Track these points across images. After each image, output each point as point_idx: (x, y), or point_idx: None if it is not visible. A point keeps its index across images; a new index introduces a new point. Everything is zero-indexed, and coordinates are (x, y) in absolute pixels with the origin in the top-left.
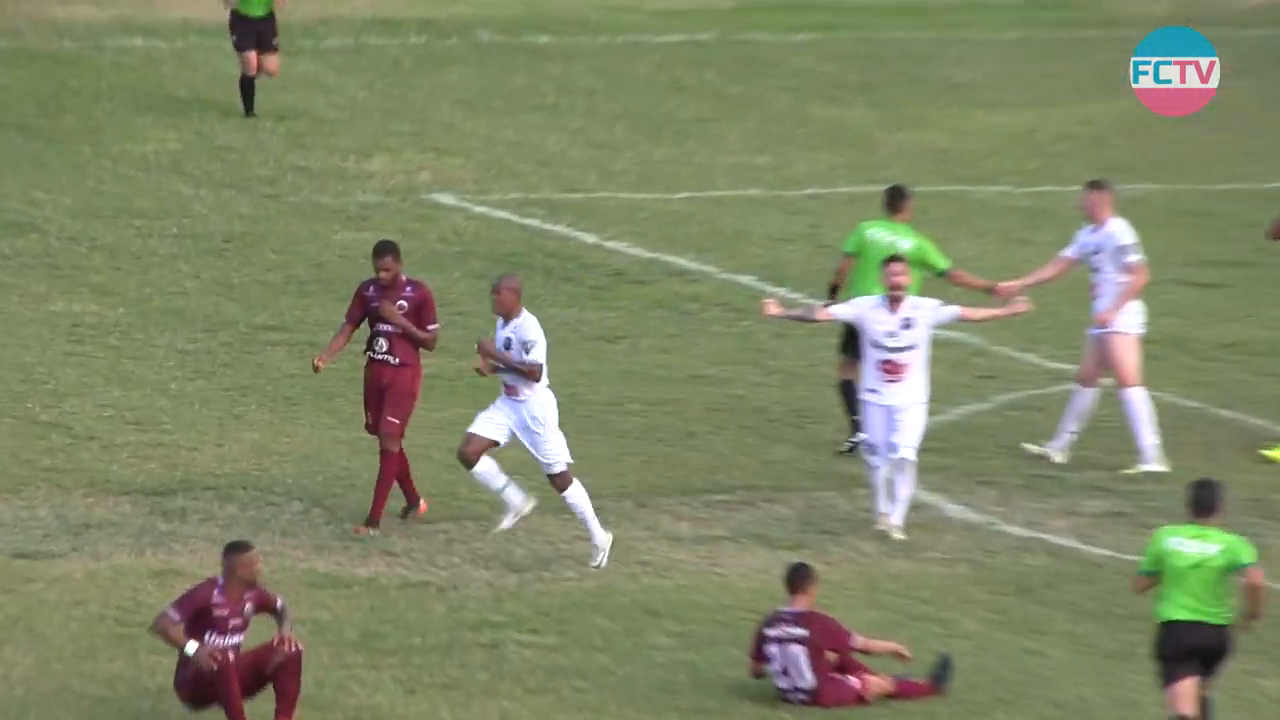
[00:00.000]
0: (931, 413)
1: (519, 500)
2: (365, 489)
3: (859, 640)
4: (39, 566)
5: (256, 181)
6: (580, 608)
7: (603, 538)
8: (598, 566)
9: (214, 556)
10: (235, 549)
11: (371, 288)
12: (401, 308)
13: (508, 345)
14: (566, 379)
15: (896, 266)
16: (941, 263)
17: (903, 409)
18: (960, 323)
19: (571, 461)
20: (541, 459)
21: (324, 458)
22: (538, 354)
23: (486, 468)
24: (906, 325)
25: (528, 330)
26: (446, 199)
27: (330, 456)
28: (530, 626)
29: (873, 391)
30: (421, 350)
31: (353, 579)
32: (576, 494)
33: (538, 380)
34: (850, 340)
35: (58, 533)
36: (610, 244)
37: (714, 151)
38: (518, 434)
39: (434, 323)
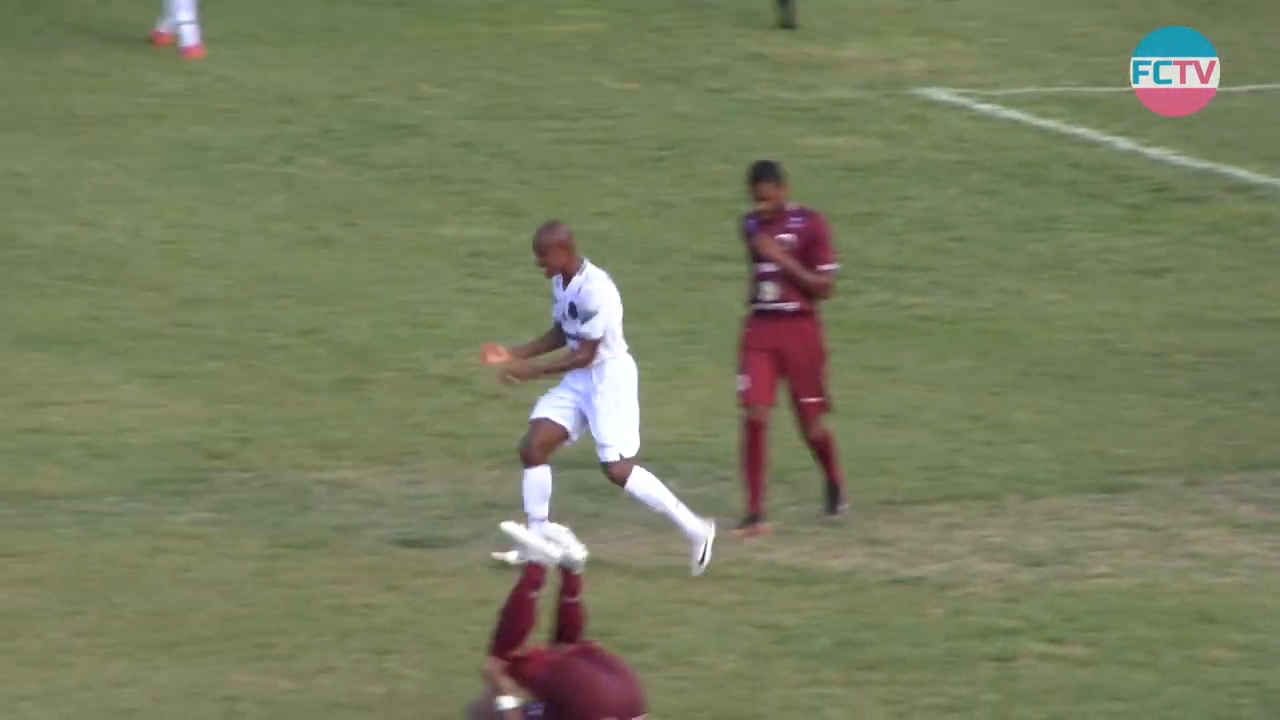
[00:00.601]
0: None
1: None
2: (841, 458)
3: None
4: (432, 557)
5: (701, 72)
6: (1115, 612)
7: (699, 529)
8: (701, 564)
9: (650, 544)
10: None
11: (751, 222)
12: (785, 243)
13: (571, 311)
14: (1094, 322)
15: None
16: None
17: None
18: None
19: (630, 456)
20: (597, 438)
21: (788, 421)
22: (593, 327)
23: (543, 478)
24: None
25: (591, 295)
26: (942, 95)
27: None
28: (1052, 635)
29: None
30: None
31: (825, 574)
32: (642, 484)
33: (586, 365)
34: None
35: (456, 514)
36: (1151, 151)
37: None
38: (584, 409)
39: (829, 263)
